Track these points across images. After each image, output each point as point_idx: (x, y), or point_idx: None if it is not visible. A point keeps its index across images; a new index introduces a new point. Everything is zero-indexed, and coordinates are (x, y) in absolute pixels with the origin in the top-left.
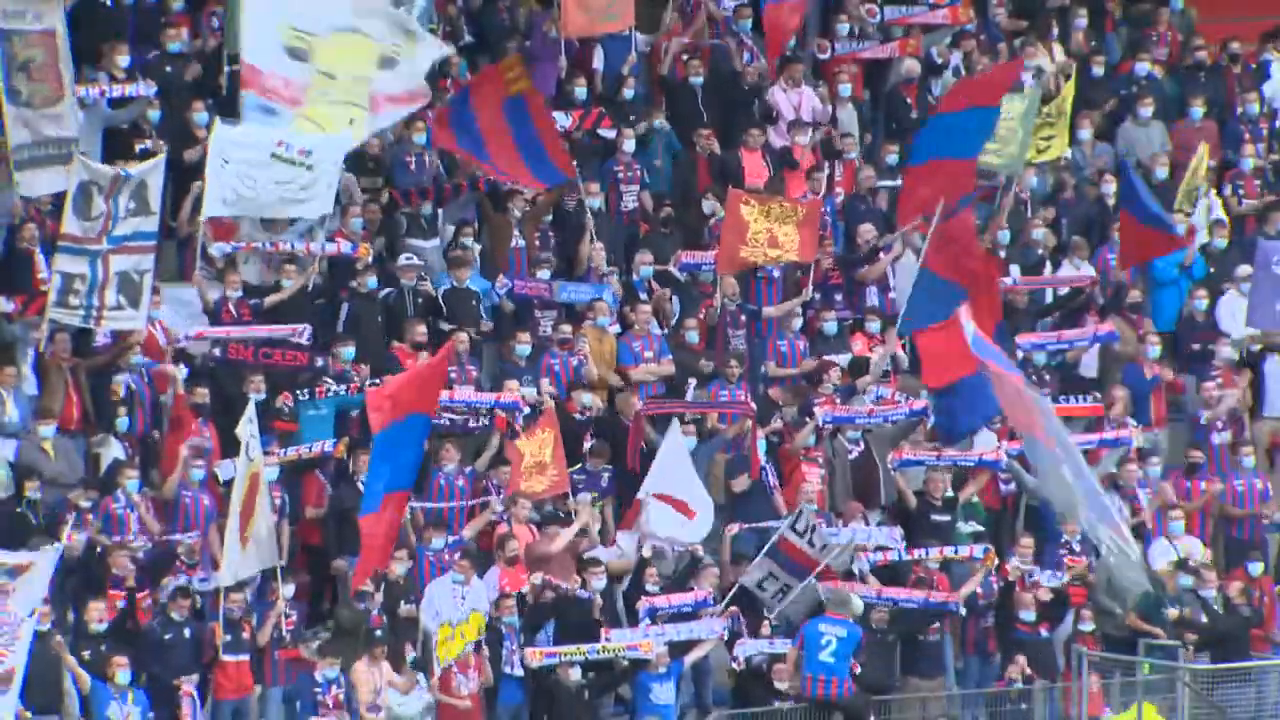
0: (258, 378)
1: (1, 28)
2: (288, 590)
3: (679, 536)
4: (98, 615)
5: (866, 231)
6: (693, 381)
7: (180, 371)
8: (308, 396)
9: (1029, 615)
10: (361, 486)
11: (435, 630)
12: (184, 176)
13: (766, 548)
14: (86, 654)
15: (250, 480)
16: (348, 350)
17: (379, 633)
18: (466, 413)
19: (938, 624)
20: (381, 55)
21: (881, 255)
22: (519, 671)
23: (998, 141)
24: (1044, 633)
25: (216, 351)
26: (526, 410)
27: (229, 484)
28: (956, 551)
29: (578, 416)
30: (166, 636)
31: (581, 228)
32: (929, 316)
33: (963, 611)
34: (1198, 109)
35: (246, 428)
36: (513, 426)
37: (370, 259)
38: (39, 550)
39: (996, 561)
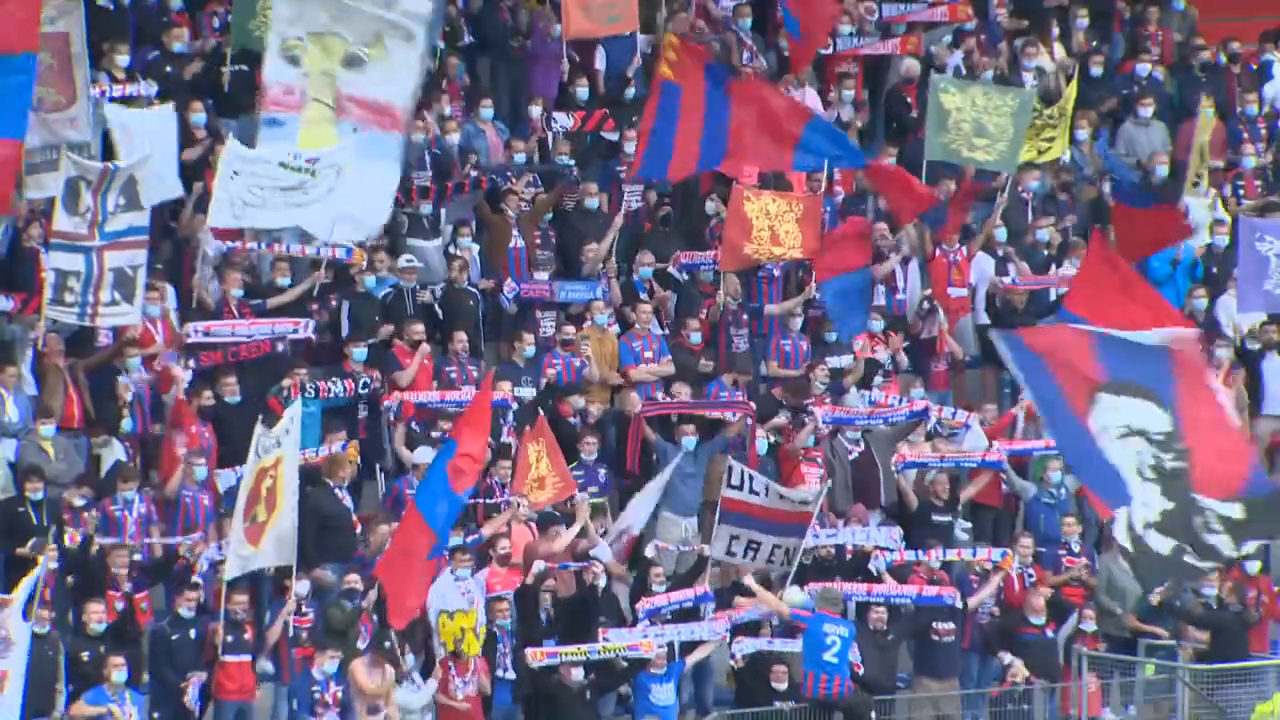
0: (231, 380)
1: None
2: (301, 587)
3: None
4: (96, 616)
5: (879, 230)
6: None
7: (185, 375)
8: (313, 394)
9: (1038, 619)
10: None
11: (435, 622)
12: (183, 177)
13: (717, 516)
14: (85, 655)
15: (258, 474)
16: (359, 351)
17: (386, 641)
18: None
19: (952, 624)
20: (347, 53)
21: (890, 255)
22: (510, 675)
23: (987, 138)
24: (1049, 633)
25: (192, 362)
26: (515, 407)
27: (229, 491)
28: (975, 554)
29: (571, 420)
30: (174, 637)
31: (591, 230)
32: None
33: (959, 605)
34: (1208, 109)
35: (283, 421)
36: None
37: (365, 263)
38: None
39: (1015, 565)
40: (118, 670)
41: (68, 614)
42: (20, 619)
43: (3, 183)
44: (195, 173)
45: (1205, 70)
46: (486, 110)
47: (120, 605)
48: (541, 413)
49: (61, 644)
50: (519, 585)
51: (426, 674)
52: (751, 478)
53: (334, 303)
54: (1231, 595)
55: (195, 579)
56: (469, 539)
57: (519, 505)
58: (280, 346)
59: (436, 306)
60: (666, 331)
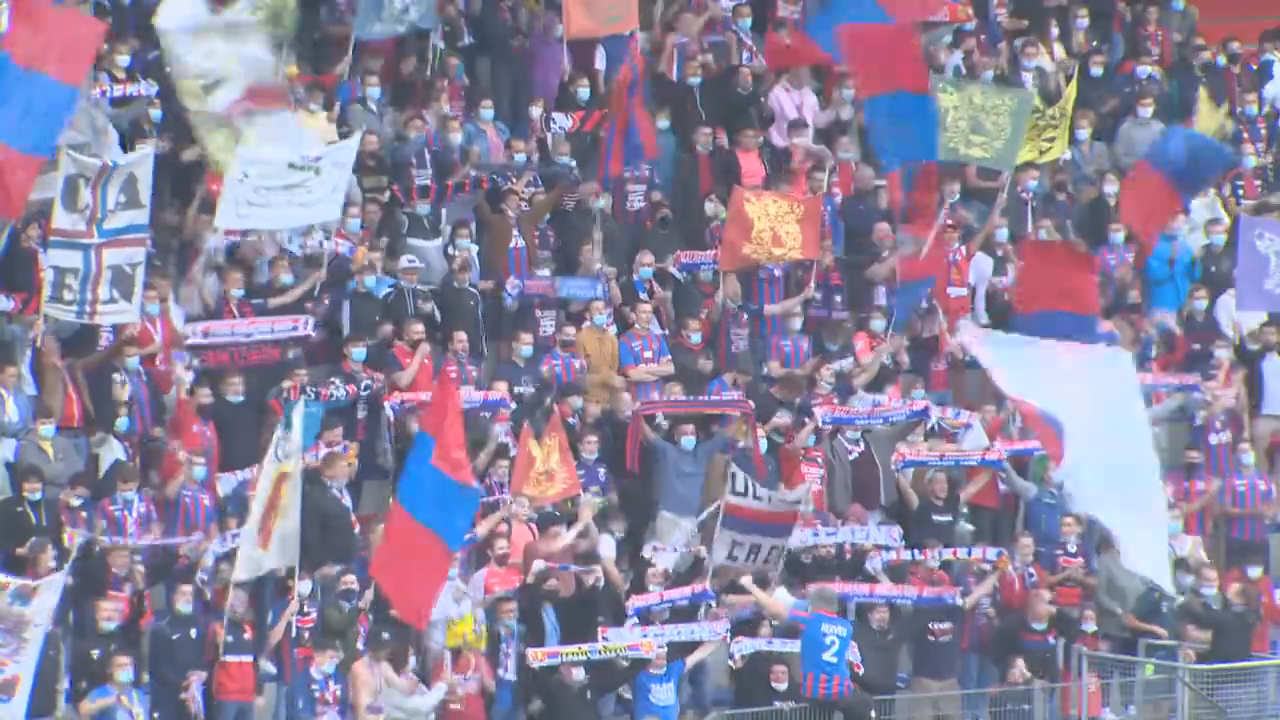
0: (237, 380)
1: None
2: (304, 587)
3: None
4: (107, 614)
5: (881, 230)
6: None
7: (188, 376)
8: (314, 397)
9: (1040, 625)
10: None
11: (442, 626)
12: (183, 176)
13: (720, 521)
14: (95, 653)
15: (277, 478)
16: (359, 351)
17: (384, 634)
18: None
19: (949, 624)
20: (204, 86)
21: (886, 254)
22: (511, 676)
23: (984, 135)
24: (1052, 640)
25: (196, 361)
26: (514, 407)
27: (231, 495)
28: (970, 554)
29: (570, 420)
30: (174, 636)
31: (588, 230)
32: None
33: (960, 602)
34: (1206, 106)
35: (296, 424)
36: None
37: (366, 262)
38: (45, 578)
39: (1011, 566)
40: (123, 669)
41: (68, 614)
42: (35, 624)
43: (20, 191)
44: (194, 173)
45: (1205, 70)
46: (486, 110)
47: (121, 605)
48: (555, 408)
49: (63, 644)
50: (518, 585)
51: (422, 674)
52: (751, 484)
53: (326, 301)
54: (1238, 597)
55: (200, 575)
56: (464, 538)
57: (512, 503)
58: (292, 354)
59: (434, 308)
60: (666, 331)
